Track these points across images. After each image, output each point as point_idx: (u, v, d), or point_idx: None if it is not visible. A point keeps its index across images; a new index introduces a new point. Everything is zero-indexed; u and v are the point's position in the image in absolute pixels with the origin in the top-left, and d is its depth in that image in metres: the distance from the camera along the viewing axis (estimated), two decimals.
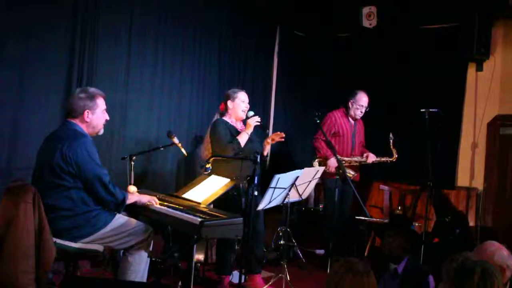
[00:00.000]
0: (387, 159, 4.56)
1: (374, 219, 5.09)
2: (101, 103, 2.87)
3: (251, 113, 3.75)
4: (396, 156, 4.54)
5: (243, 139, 3.66)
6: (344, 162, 4.46)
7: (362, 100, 4.56)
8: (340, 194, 4.43)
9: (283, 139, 3.79)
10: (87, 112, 2.81)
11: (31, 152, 2.93)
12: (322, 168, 3.83)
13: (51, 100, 3.81)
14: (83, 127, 2.83)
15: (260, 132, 4.06)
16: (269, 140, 3.86)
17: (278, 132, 3.81)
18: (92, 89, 2.89)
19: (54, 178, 2.69)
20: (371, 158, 4.56)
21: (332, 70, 6.05)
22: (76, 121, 2.82)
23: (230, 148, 3.62)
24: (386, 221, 5.02)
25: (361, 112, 4.58)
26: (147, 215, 3.07)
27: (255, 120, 3.70)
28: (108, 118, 2.93)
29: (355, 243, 4.69)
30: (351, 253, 4.45)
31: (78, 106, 2.80)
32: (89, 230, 2.76)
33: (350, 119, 4.65)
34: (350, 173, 4.44)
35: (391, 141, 4.51)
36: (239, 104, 3.79)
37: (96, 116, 2.85)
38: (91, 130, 2.86)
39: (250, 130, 3.70)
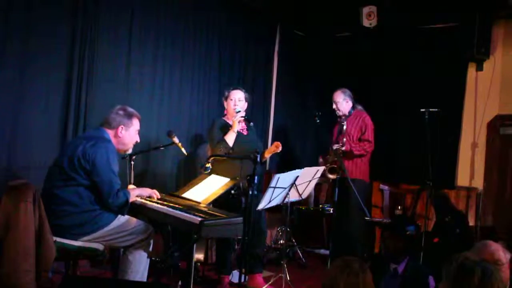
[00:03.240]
0: (340, 146, 4.45)
1: (375, 219, 5.09)
2: (136, 123, 3.00)
3: (238, 109, 3.77)
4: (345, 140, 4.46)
5: (230, 138, 3.68)
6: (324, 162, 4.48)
7: (333, 98, 4.66)
8: (341, 194, 4.43)
9: (280, 149, 3.83)
10: (122, 127, 2.92)
11: (31, 151, 2.94)
12: (322, 168, 3.83)
13: (51, 100, 3.82)
14: (113, 141, 2.92)
15: (259, 129, 4.08)
16: (266, 155, 3.93)
17: (276, 143, 3.86)
18: (131, 109, 3.02)
19: (69, 170, 2.75)
20: (334, 147, 4.48)
21: (332, 70, 6.05)
22: (108, 131, 2.92)
23: (218, 148, 3.65)
24: (385, 220, 5.03)
25: (336, 108, 4.64)
26: (147, 215, 3.07)
27: (238, 116, 3.72)
28: (138, 140, 3.06)
29: (359, 243, 4.68)
30: (353, 253, 4.43)
31: (114, 120, 2.92)
32: (91, 228, 2.78)
33: (342, 119, 4.68)
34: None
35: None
36: (229, 103, 3.83)
37: (129, 134, 2.97)
38: (120, 147, 2.97)
39: (235, 127, 3.73)
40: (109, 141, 2.89)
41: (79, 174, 2.75)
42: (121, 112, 2.95)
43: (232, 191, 3.49)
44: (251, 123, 3.81)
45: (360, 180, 4.56)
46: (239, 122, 3.75)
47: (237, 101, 3.81)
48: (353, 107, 4.69)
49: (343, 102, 4.64)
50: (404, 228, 2.84)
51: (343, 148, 4.47)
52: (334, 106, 4.66)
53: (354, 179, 4.43)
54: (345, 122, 4.63)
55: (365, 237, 4.69)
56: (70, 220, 2.73)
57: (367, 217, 4.36)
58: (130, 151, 3.06)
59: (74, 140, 2.93)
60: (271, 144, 5.90)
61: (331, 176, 4.41)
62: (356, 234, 4.58)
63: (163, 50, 4.64)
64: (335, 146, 4.48)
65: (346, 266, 1.81)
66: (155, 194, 3.09)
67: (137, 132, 3.03)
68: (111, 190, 2.79)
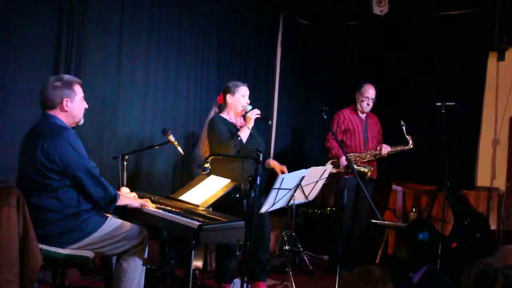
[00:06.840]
0: (402, 147, 4.59)
1: (387, 222, 5.08)
2: (78, 90, 2.86)
3: (249, 107, 3.75)
4: (412, 143, 4.55)
5: (244, 134, 3.66)
6: (358, 158, 4.57)
7: (367, 92, 4.64)
8: (351, 195, 4.43)
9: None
10: (66, 100, 2.79)
11: (14, 151, 2.93)
12: (330, 167, 3.83)
13: (35, 97, 3.74)
14: (63, 118, 2.81)
15: (261, 126, 4.07)
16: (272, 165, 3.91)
17: (282, 168, 3.84)
18: (67, 76, 2.88)
19: (39, 178, 2.68)
20: (385, 149, 4.61)
21: (341, 62, 6.03)
22: (55, 112, 2.80)
23: (231, 145, 3.61)
24: (399, 224, 5.02)
25: (368, 104, 4.66)
26: (141, 219, 3.06)
27: (255, 113, 3.70)
28: (87, 106, 2.92)
29: (366, 249, 4.69)
30: (360, 259, 4.43)
31: (56, 96, 2.78)
32: (78, 235, 2.75)
33: (359, 114, 4.71)
34: (365, 168, 4.46)
35: (403, 128, 4.54)
36: (239, 99, 3.78)
37: (76, 105, 2.83)
38: (71, 120, 2.84)
39: (251, 124, 3.70)
40: (64, 127, 2.77)
41: (52, 178, 2.68)
42: (58, 84, 2.79)
43: (237, 195, 3.48)
44: (270, 122, 3.82)
45: (372, 179, 4.65)
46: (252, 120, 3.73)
47: (247, 98, 3.81)
48: None
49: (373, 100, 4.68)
50: (416, 234, 2.76)
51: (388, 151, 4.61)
52: (368, 103, 4.64)
53: (372, 179, 4.56)
54: (367, 121, 4.73)
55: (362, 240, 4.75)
56: (54, 229, 2.69)
57: (378, 219, 4.38)
58: (82, 121, 2.92)
59: (28, 141, 2.78)
60: (274, 140, 5.95)
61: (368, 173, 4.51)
62: (360, 237, 4.68)
63: (157, 41, 4.62)
64: (388, 149, 4.59)
65: (366, 274, 1.79)
66: (146, 206, 3.03)
67: (82, 99, 2.87)
68: (93, 176, 2.73)
